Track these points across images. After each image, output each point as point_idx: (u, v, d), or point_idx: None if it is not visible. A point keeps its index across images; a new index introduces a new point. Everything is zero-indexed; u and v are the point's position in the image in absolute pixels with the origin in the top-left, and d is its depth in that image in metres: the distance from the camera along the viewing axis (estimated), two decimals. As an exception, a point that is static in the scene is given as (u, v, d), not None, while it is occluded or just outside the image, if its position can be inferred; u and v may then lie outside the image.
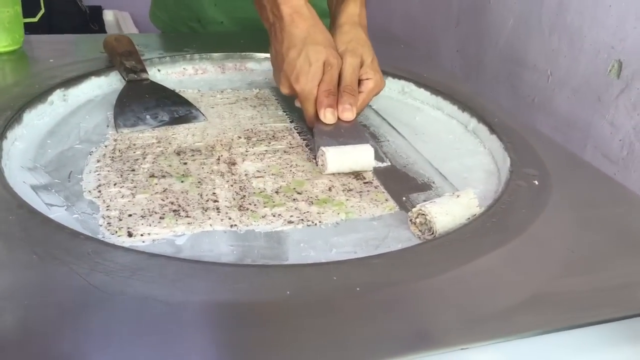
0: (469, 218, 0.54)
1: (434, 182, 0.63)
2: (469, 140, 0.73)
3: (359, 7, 0.76)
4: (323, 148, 0.62)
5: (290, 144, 0.68)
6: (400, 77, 0.85)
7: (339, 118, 0.67)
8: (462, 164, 0.67)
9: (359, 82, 0.71)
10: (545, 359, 0.39)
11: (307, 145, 0.68)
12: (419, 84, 0.83)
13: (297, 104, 0.71)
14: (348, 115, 0.67)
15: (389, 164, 0.66)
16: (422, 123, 0.77)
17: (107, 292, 0.41)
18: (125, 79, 0.77)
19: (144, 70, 0.78)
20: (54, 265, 0.43)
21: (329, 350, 0.38)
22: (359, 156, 0.62)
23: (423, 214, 0.51)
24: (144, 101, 0.73)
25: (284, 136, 0.70)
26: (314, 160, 0.64)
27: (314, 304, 0.42)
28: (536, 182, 0.59)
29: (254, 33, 1.00)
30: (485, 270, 0.46)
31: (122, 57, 0.79)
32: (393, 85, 0.85)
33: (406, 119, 0.78)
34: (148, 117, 0.71)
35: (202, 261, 0.47)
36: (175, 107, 0.73)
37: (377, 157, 0.66)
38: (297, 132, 0.71)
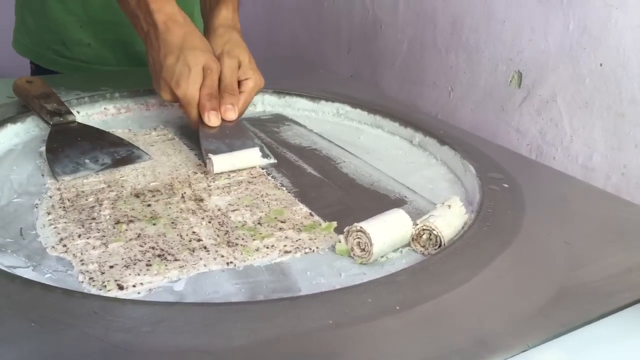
0: (463, 226, 0.54)
1: (406, 197, 0.63)
2: (418, 154, 0.74)
3: (231, 11, 0.77)
4: (210, 156, 0.64)
5: (252, 174, 0.65)
6: (333, 100, 0.85)
7: (222, 119, 0.69)
8: (423, 177, 0.68)
9: (239, 82, 0.72)
10: (600, 347, 0.40)
11: (199, 158, 0.69)
12: (354, 104, 0.83)
13: (180, 111, 0.73)
14: (231, 115, 0.69)
15: (275, 161, 0.69)
16: (368, 142, 0.77)
17: (137, 351, 0.36)
18: (49, 123, 0.69)
19: (69, 112, 0.71)
20: (60, 330, 0.37)
21: (397, 374, 0.36)
22: (245, 155, 0.66)
23: (428, 230, 0.51)
24: (78, 145, 0.67)
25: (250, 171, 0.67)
26: (203, 165, 0.66)
27: (361, 329, 0.39)
28: (506, 185, 0.61)
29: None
30: (506, 271, 0.47)
31: (40, 100, 0.71)
32: (327, 108, 0.85)
33: (350, 139, 0.78)
34: (87, 161, 0.64)
35: (228, 302, 0.43)
36: (114, 148, 0.67)
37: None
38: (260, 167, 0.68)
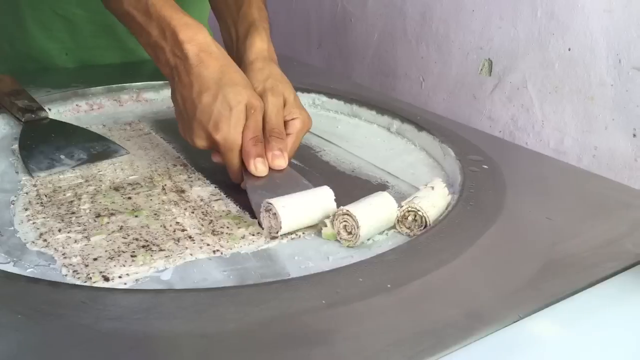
0: (447, 207, 0.54)
1: (388, 182, 0.63)
2: (396, 141, 0.75)
3: (266, 42, 0.68)
4: (269, 201, 0.51)
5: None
6: (309, 91, 0.84)
7: (270, 168, 0.58)
8: (403, 162, 0.68)
9: (285, 123, 0.62)
10: (588, 315, 0.41)
11: (235, 203, 0.57)
12: (330, 95, 0.83)
13: (216, 158, 0.60)
14: (280, 162, 0.58)
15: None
16: (346, 131, 0.78)
17: (129, 338, 0.35)
18: (21, 120, 0.68)
19: (41, 108, 0.70)
20: (48, 321, 0.36)
21: (393, 349, 0.36)
22: (318, 204, 0.53)
23: (413, 211, 0.51)
24: (52, 141, 0.66)
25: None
26: (256, 222, 0.53)
27: (354, 308, 0.39)
28: (485, 166, 0.62)
29: (137, 64, 0.95)
30: (492, 247, 0.47)
31: (11, 97, 0.70)
32: (303, 99, 0.84)
33: (329, 129, 0.78)
34: (63, 157, 0.63)
35: (219, 287, 0.42)
36: (90, 143, 0.66)
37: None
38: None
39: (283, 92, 0.63)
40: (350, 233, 0.50)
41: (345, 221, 0.50)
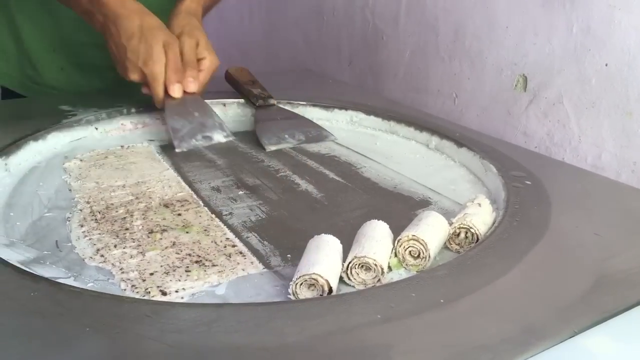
0: (493, 223, 0.55)
1: (430, 198, 0.64)
2: (435, 157, 0.76)
3: (195, 2, 0.84)
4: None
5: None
6: (346, 108, 0.86)
7: (184, 92, 0.76)
8: (444, 178, 0.69)
9: (197, 61, 0.78)
10: (643, 330, 0.41)
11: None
12: (367, 111, 0.84)
13: (145, 90, 0.77)
14: (192, 86, 0.76)
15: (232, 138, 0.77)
16: (385, 148, 0.79)
17: (194, 350, 0.36)
18: (255, 105, 0.85)
19: (270, 97, 0.86)
20: (115, 334, 0.38)
21: (450, 363, 0.36)
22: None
23: (465, 228, 0.52)
24: (279, 122, 0.81)
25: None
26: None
27: (409, 322, 0.40)
28: (528, 182, 0.62)
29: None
30: (541, 262, 0.48)
31: (248, 86, 0.87)
32: (340, 117, 0.86)
33: (367, 146, 0.79)
34: (287, 136, 0.78)
35: (276, 302, 0.43)
36: (306, 128, 0.81)
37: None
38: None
39: (197, 36, 0.79)
40: (417, 257, 0.49)
41: (411, 246, 0.49)
